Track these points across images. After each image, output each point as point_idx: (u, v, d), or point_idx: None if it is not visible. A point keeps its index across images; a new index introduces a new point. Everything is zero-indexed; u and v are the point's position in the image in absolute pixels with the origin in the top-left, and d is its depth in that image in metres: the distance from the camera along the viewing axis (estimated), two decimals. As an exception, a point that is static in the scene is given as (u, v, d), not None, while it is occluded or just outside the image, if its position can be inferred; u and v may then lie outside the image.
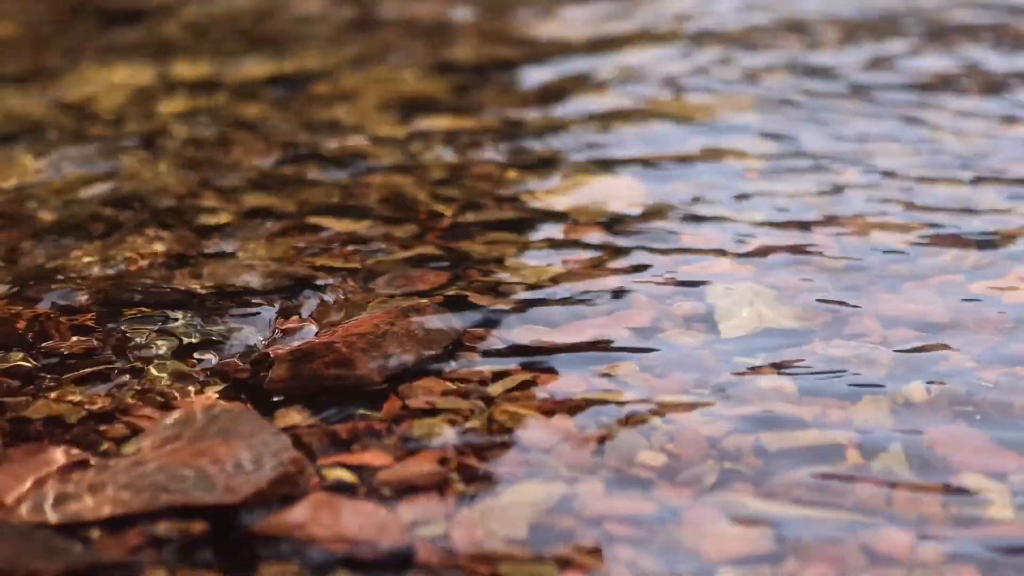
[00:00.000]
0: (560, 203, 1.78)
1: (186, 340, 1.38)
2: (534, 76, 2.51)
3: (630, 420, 1.20)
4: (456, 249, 1.62)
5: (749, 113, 2.18)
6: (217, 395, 1.27)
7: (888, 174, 1.87)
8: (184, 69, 2.57)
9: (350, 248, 1.63)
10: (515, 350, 1.35)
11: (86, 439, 1.19)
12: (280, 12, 3.14)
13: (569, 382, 1.28)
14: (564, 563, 1.00)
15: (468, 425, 1.20)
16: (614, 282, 1.50)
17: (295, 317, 1.43)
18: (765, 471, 1.11)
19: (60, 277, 1.55)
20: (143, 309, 1.46)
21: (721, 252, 1.59)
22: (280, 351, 1.32)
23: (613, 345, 1.35)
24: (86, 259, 1.61)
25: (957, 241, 1.61)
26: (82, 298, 1.49)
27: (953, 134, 2.05)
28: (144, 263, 1.60)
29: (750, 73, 2.44)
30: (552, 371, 1.30)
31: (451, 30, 2.93)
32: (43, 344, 1.38)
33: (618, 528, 1.04)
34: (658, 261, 1.56)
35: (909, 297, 1.45)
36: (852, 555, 1.00)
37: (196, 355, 1.35)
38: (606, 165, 1.94)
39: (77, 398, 1.26)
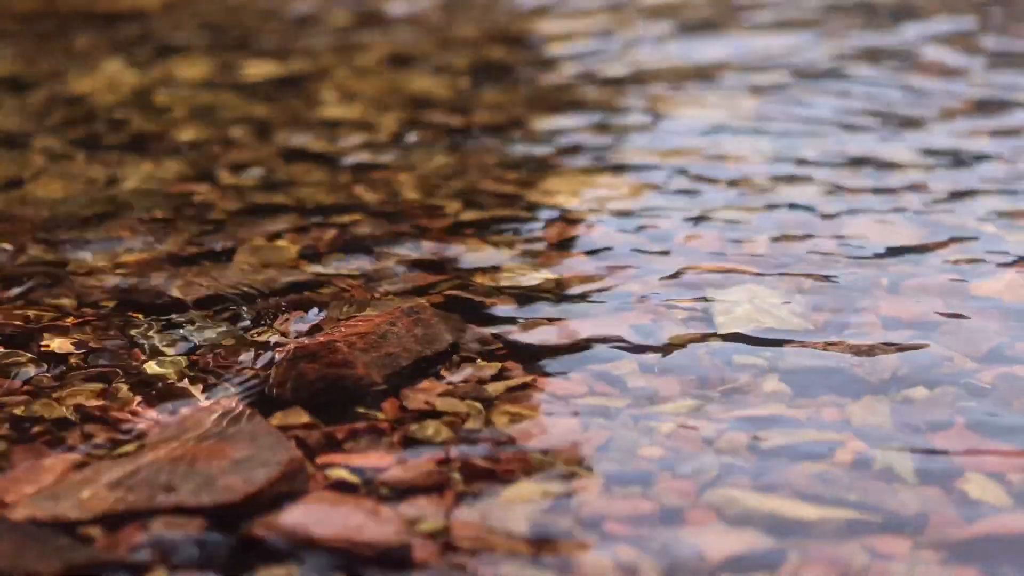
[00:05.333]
0: (560, 203, 1.78)
1: (186, 340, 1.38)
2: (535, 76, 2.51)
3: (629, 420, 1.20)
4: (456, 249, 1.62)
5: (750, 114, 2.18)
6: (217, 395, 1.27)
7: (889, 174, 1.87)
8: (185, 68, 2.57)
9: (350, 248, 1.63)
10: (515, 350, 1.35)
11: (86, 439, 1.19)
12: (281, 12, 3.14)
13: (569, 382, 1.28)
14: (564, 563, 1.00)
15: (468, 425, 1.20)
16: (614, 282, 1.50)
17: (295, 317, 1.43)
18: (765, 470, 1.11)
19: (61, 277, 1.55)
20: (144, 309, 1.46)
21: (721, 251, 1.59)
22: (280, 351, 1.32)
23: (613, 345, 1.35)
24: (86, 259, 1.61)
25: (958, 241, 1.61)
26: (83, 298, 1.49)
27: (955, 134, 2.05)
28: (144, 263, 1.60)
29: (750, 73, 2.44)
30: (552, 371, 1.30)
31: (451, 30, 2.93)
32: (43, 344, 1.38)
33: (617, 527, 1.04)
34: (658, 260, 1.56)
35: (909, 296, 1.45)
36: (852, 554, 1.00)
37: (196, 355, 1.35)
38: (606, 165, 1.94)
39: (77, 398, 1.26)
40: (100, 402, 1.26)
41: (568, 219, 1.71)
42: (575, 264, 1.56)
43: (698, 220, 1.70)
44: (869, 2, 3.00)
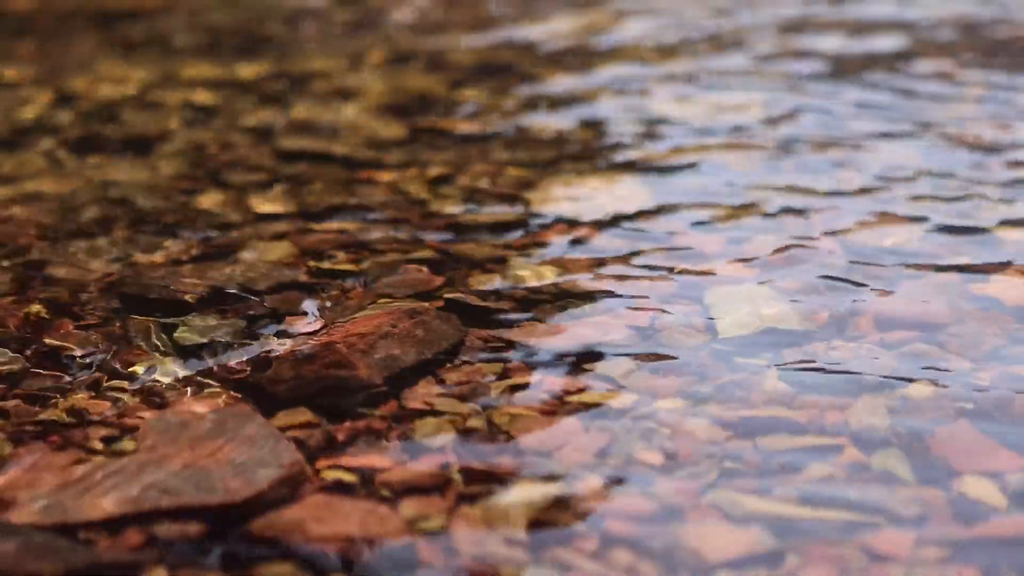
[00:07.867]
0: (560, 203, 1.78)
1: (187, 341, 1.39)
2: (534, 76, 2.51)
3: (630, 420, 1.20)
4: (456, 249, 1.62)
5: (750, 113, 2.19)
6: (217, 396, 1.27)
7: (888, 173, 1.87)
8: (185, 68, 2.57)
9: (351, 248, 1.63)
10: (515, 350, 1.35)
11: (86, 440, 1.19)
12: (281, 11, 3.14)
13: (569, 383, 1.28)
14: (564, 563, 1.00)
15: (468, 426, 1.20)
16: (614, 282, 1.51)
17: (296, 318, 1.44)
18: (765, 471, 1.11)
19: (61, 277, 1.55)
20: (143, 309, 1.46)
21: (721, 252, 1.59)
22: (281, 352, 1.32)
23: (613, 345, 1.35)
24: (87, 259, 1.61)
25: (957, 241, 1.61)
26: (83, 298, 1.49)
27: (955, 134, 2.05)
28: (145, 263, 1.60)
29: (751, 73, 2.44)
30: (552, 372, 1.30)
31: (450, 30, 2.94)
32: (44, 344, 1.38)
33: (618, 528, 1.04)
34: (658, 261, 1.57)
35: (908, 297, 1.45)
36: (852, 555, 1.00)
37: (197, 356, 1.35)
38: (606, 165, 1.94)
39: (78, 399, 1.27)
40: (100, 403, 1.26)
41: (568, 220, 1.71)
42: (575, 265, 1.56)
43: (698, 221, 1.70)
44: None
